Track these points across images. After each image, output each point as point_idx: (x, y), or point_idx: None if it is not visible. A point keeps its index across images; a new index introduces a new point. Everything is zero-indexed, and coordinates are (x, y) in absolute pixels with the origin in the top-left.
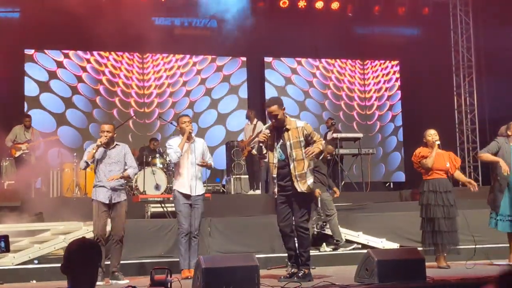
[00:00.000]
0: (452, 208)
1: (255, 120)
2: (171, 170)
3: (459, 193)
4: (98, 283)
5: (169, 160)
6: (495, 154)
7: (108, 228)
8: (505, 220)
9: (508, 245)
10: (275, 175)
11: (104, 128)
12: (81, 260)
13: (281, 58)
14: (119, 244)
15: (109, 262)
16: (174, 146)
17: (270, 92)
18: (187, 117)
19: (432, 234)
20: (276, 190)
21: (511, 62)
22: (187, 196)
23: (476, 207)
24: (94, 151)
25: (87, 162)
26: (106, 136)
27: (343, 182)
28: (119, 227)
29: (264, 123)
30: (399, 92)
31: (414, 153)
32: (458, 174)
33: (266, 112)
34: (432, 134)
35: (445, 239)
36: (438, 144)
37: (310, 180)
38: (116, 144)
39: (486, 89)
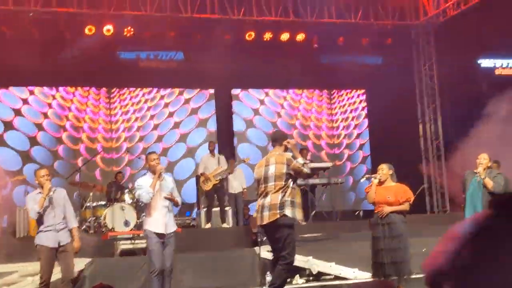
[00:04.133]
0: (396, 239)
1: (216, 153)
2: (140, 206)
3: (425, 220)
4: None
5: (141, 201)
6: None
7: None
8: None
9: None
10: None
11: (44, 173)
12: None
13: (249, 90)
14: (70, 285)
15: None
16: (144, 186)
17: (238, 124)
18: (155, 154)
19: (377, 266)
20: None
21: (474, 88)
22: (160, 235)
23: (441, 233)
24: (44, 199)
25: (39, 212)
26: (48, 180)
27: (313, 212)
28: (70, 268)
29: (228, 155)
30: (366, 120)
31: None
32: (388, 209)
33: (295, 143)
34: (378, 169)
35: (388, 270)
36: (381, 179)
37: None
38: (55, 188)
39: (450, 116)
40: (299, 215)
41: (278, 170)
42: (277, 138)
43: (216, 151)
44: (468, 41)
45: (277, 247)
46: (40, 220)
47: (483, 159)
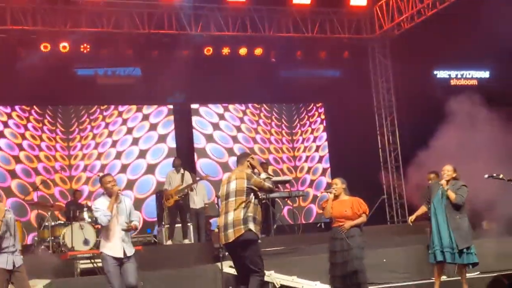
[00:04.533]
0: (352, 251)
1: (182, 169)
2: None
3: (386, 231)
4: None
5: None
6: (429, 199)
7: None
8: (438, 251)
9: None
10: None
11: None
12: None
13: (208, 105)
14: None
15: None
16: (102, 208)
17: (198, 140)
18: (110, 176)
19: (334, 279)
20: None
21: (431, 99)
22: (117, 259)
23: (404, 244)
24: (1, 221)
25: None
26: (1, 202)
27: (275, 226)
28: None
29: (190, 171)
30: (325, 133)
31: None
32: (349, 224)
33: (257, 159)
34: (332, 184)
35: (344, 282)
36: (336, 193)
37: None
38: (6, 210)
39: (408, 127)
40: (258, 232)
41: (239, 185)
42: (239, 158)
43: (181, 168)
44: (423, 53)
45: (244, 263)
46: None
47: (447, 170)
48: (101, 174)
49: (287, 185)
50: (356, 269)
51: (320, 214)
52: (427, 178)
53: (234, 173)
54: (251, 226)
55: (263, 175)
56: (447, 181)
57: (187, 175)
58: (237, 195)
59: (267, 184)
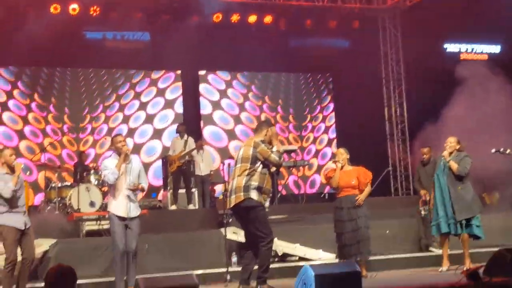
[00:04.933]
0: (360, 219)
1: (186, 135)
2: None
3: (390, 202)
4: None
5: (106, 183)
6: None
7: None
8: (444, 223)
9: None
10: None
11: (12, 152)
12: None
13: (216, 72)
14: (30, 266)
15: None
16: (110, 167)
17: (205, 106)
18: (121, 136)
19: (342, 248)
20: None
21: (439, 72)
22: (122, 219)
23: (407, 216)
24: (17, 177)
25: (14, 190)
26: (15, 159)
27: (279, 195)
28: (32, 250)
29: (196, 138)
30: (332, 104)
31: (322, 174)
32: (363, 196)
33: (275, 131)
34: (338, 154)
35: (352, 250)
36: (342, 164)
37: None
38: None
39: (416, 100)
40: (265, 202)
41: (245, 152)
42: (258, 125)
43: (186, 134)
44: (434, 26)
45: (249, 229)
46: (10, 201)
47: (450, 142)
48: (108, 137)
49: (293, 154)
50: (364, 237)
51: (324, 184)
52: (421, 153)
53: (247, 140)
54: (253, 194)
55: (275, 148)
56: (450, 152)
57: (191, 141)
58: (242, 161)
59: (274, 156)
